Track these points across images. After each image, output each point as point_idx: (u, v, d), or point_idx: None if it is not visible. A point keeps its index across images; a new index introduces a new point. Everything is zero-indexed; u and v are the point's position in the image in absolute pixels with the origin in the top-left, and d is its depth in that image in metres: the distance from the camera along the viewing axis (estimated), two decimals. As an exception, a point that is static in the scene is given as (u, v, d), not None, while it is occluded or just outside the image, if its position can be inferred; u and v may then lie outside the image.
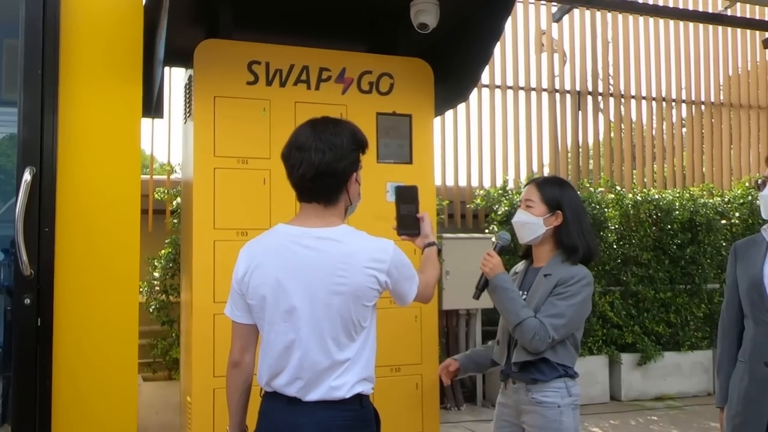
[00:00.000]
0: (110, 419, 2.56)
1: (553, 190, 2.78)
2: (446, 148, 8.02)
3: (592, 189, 7.58)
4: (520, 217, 2.79)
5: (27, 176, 2.46)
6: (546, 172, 8.74)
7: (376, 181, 3.19)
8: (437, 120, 7.94)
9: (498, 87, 8.42)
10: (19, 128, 2.52)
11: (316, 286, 2.05)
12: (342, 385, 2.06)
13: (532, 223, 2.75)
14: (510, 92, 8.49)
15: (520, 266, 2.92)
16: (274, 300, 2.09)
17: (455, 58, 3.36)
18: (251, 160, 2.98)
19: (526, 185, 2.88)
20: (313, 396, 2.05)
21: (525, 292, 2.78)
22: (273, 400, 2.11)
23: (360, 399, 2.09)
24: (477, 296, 2.81)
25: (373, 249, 2.10)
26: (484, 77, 8.25)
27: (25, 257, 2.43)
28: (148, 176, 6.53)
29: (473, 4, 3.31)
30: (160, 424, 5.58)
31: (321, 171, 2.05)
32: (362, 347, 2.10)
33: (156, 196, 6.24)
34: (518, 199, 6.91)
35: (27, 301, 2.48)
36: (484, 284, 2.76)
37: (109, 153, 2.63)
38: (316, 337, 2.06)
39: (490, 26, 3.29)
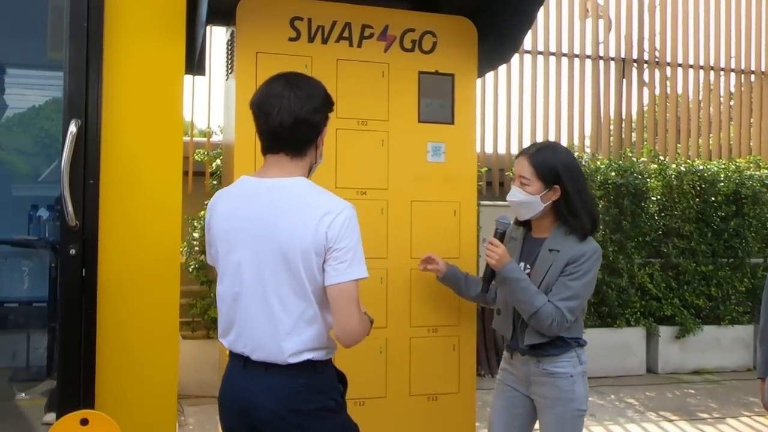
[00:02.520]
0: (153, 370, 2.59)
1: (548, 163, 2.63)
2: (486, 115, 7.92)
3: (634, 159, 7.44)
4: (515, 196, 2.67)
5: (72, 128, 2.48)
6: (587, 142, 8.59)
7: (417, 141, 3.16)
8: (478, 85, 7.84)
9: (540, 53, 8.27)
10: (65, 81, 2.54)
11: (264, 239, 2.03)
12: (288, 349, 2.01)
13: (530, 202, 2.64)
14: (552, 59, 8.34)
15: (516, 231, 2.80)
16: (224, 251, 2.11)
17: (499, 19, 3.28)
18: (292, 117, 2.96)
19: (517, 156, 2.74)
20: (259, 355, 2.04)
21: (527, 265, 2.69)
22: (232, 362, 2.14)
23: (313, 365, 2.05)
24: (485, 289, 2.72)
25: (326, 205, 2.03)
26: (527, 43, 8.11)
27: (70, 208, 2.46)
28: (188, 138, 6.57)
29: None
30: (199, 382, 5.69)
31: (301, 118, 2.06)
32: (314, 317, 2.04)
33: (196, 157, 6.30)
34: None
35: (72, 251, 2.52)
36: (490, 276, 2.67)
37: (153, 107, 2.64)
38: (260, 292, 2.04)
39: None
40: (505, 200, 2.77)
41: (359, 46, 3.07)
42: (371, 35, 3.08)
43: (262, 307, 2.04)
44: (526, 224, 2.78)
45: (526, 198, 2.64)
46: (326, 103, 2.16)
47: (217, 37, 6.42)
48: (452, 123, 3.20)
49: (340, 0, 3.06)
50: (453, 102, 3.20)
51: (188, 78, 5.66)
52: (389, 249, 3.08)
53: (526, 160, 2.67)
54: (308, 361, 2.04)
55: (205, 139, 6.56)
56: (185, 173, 6.36)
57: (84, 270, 2.53)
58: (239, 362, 2.11)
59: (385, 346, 3.06)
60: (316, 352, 2.05)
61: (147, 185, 2.64)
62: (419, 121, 3.15)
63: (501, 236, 2.68)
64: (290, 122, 2.06)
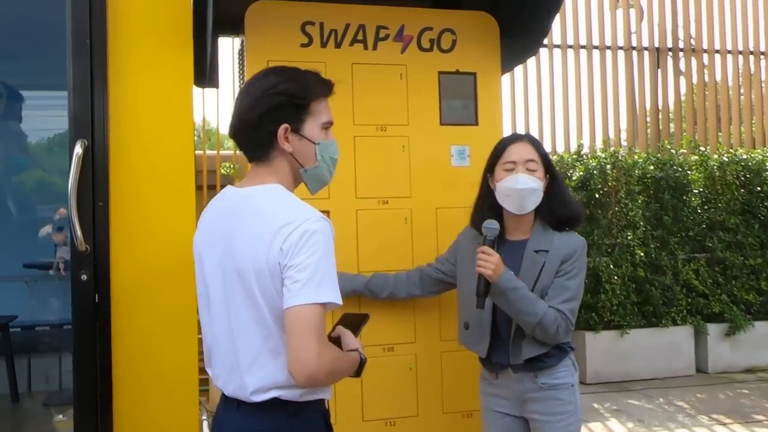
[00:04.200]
0: (173, 395, 2.49)
1: (542, 148, 2.50)
2: (516, 112, 7.73)
3: (673, 151, 7.18)
4: (528, 183, 2.42)
5: (78, 149, 2.40)
6: (623, 136, 8.34)
7: (440, 144, 3.02)
8: (507, 83, 7.68)
9: (570, 47, 8.04)
10: (70, 100, 2.46)
11: (226, 257, 1.80)
12: (251, 385, 1.74)
13: (539, 190, 2.43)
14: (583, 52, 8.10)
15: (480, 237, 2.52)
16: (199, 270, 1.92)
17: (521, 11, 3.12)
18: (307, 126, 2.84)
19: (510, 142, 2.51)
20: (229, 389, 1.82)
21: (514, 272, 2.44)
22: (221, 396, 1.92)
23: (284, 405, 1.75)
24: (482, 305, 2.40)
25: (286, 216, 1.71)
26: (556, 36, 7.91)
27: (79, 232, 2.38)
28: (214, 152, 6.53)
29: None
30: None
31: (238, 120, 1.84)
32: (278, 348, 1.73)
33: (223, 171, 6.25)
34: (593, 164, 6.64)
35: (84, 277, 2.43)
36: (486, 289, 2.37)
37: (162, 123, 2.55)
38: (224, 317, 1.81)
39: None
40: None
41: (374, 48, 2.94)
42: (386, 36, 2.95)
43: (227, 334, 1.80)
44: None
45: (538, 185, 2.44)
46: (272, 93, 1.80)
47: (234, 48, 6.37)
48: (476, 124, 3.04)
49: (354, 1, 2.93)
50: (476, 102, 3.04)
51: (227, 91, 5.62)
52: (415, 260, 2.93)
53: (529, 144, 2.49)
54: (276, 400, 1.74)
55: (233, 152, 6.50)
56: (212, 187, 6.31)
57: (96, 296, 2.45)
58: (222, 396, 1.90)
59: (415, 362, 2.91)
60: (286, 391, 1.74)
61: (159, 204, 2.54)
62: (441, 124, 3.00)
63: (491, 244, 2.41)
64: (237, 126, 1.85)
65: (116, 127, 2.49)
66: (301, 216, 1.72)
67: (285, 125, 1.81)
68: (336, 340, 1.91)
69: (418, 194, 2.97)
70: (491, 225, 2.43)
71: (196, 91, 5.84)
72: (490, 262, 2.33)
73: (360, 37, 2.92)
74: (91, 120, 2.46)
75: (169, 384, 2.49)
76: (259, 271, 1.71)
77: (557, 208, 2.47)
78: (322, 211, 2.78)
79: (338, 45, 2.90)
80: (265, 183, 1.84)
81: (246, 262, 1.73)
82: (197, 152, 6.35)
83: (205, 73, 3.22)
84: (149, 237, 2.52)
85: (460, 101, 3.03)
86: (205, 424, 4.07)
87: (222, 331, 1.83)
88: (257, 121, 1.81)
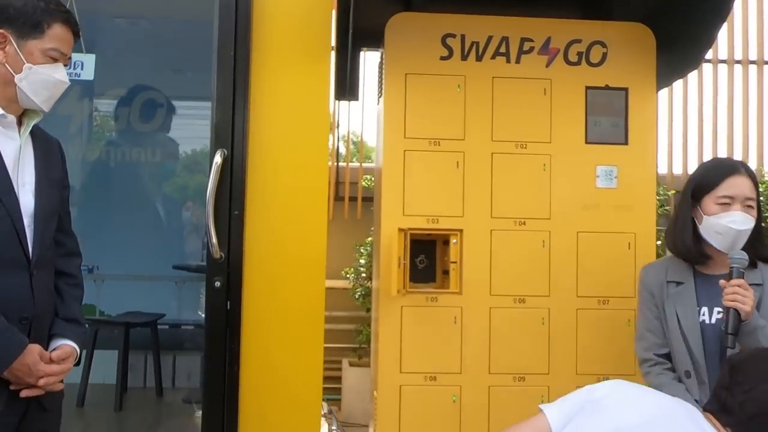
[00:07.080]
0: (297, 406, 2.52)
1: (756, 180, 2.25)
2: (689, 131, 7.14)
3: None
4: (746, 225, 2.19)
5: (218, 158, 2.47)
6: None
7: (584, 164, 2.83)
8: (676, 98, 7.16)
9: (753, 62, 7.35)
10: (213, 111, 2.54)
11: None
12: None
13: (751, 230, 2.21)
14: (753, 67, 7.41)
15: (678, 271, 2.31)
16: None
17: (683, 21, 2.87)
18: (444, 141, 2.75)
19: (728, 173, 2.24)
20: None
21: (720, 310, 2.18)
22: None
23: None
24: (732, 344, 2.11)
25: None
26: (737, 52, 7.26)
27: (214, 240, 2.44)
28: (357, 164, 6.61)
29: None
30: (366, 411, 5.59)
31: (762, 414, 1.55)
32: None
33: (364, 183, 6.30)
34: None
35: (217, 284, 2.50)
36: (737, 326, 2.10)
37: (298, 135, 2.58)
38: None
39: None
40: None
41: (517, 61, 2.81)
42: (531, 49, 2.81)
43: None
44: (692, 259, 2.30)
45: (751, 225, 2.21)
46: None
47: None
48: (626, 143, 2.83)
49: (497, 12, 2.82)
50: (627, 120, 2.83)
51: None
52: (552, 286, 2.76)
53: (749, 178, 2.24)
54: None
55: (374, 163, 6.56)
56: (353, 199, 6.39)
57: (228, 303, 2.50)
58: None
59: (548, 397, 2.74)
60: None
61: (293, 216, 2.57)
62: (587, 143, 2.82)
63: (743, 276, 2.17)
64: (750, 412, 1.57)
65: (255, 138, 2.54)
66: None
67: None
68: None
69: (558, 216, 2.80)
70: (741, 255, 2.18)
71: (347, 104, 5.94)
72: (747, 296, 2.10)
73: (502, 49, 2.80)
74: (231, 130, 2.52)
75: (294, 393, 2.51)
76: None
77: (759, 244, 2.26)
78: (455, 230, 2.75)
79: (479, 58, 2.79)
80: None
81: None
82: (341, 164, 6.49)
83: (345, 86, 3.22)
84: (281, 247, 2.55)
85: (609, 118, 2.83)
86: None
87: None
88: None
